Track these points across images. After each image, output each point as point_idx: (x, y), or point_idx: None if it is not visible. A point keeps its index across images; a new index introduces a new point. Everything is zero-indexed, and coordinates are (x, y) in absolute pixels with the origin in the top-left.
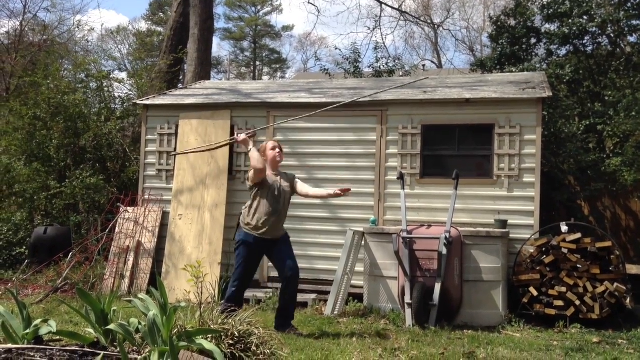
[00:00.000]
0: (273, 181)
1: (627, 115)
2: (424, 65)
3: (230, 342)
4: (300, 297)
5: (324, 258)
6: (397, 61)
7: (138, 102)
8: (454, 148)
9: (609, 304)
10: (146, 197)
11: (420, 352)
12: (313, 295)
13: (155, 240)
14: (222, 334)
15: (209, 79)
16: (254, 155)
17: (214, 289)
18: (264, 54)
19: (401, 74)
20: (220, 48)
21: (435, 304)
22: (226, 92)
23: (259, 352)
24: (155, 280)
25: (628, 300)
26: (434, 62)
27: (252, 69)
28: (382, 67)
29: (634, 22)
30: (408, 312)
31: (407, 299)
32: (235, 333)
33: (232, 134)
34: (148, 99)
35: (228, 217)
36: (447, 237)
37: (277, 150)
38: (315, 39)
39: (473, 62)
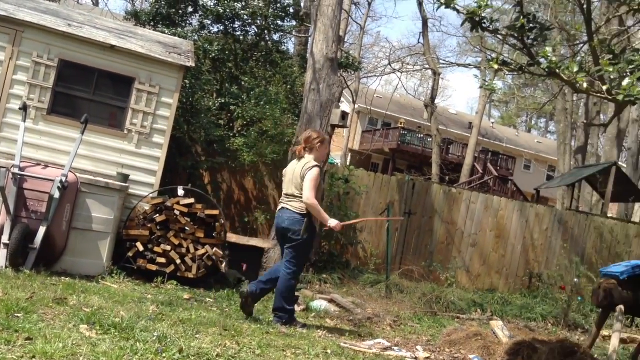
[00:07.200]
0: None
1: (257, 103)
2: None
3: None
4: None
5: None
6: None
7: None
8: (90, 92)
9: (206, 265)
10: None
11: (7, 295)
12: None
13: None
14: None
15: None
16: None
17: None
18: None
19: None
20: None
21: (35, 247)
22: None
23: None
24: None
25: (224, 265)
26: None
27: None
28: None
29: (279, 22)
30: (3, 252)
31: (5, 239)
32: None
33: None
34: None
35: None
36: (63, 181)
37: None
38: None
39: (129, 11)
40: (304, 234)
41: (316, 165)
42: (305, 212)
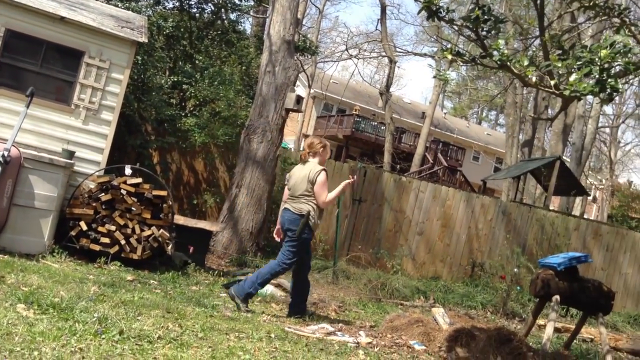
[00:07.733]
0: None
1: (210, 83)
2: None
3: None
4: None
5: None
6: None
7: None
8: (37, 64)
9: (151, 247)
10: None
11: None
12: None
13: None
14: None
15: None
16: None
17: None
18: None
19: None
20: None
21: None
22: None
23: None
24: None
25: (170, 247)
26: None
27: None
28: None
29: (236, 1)
30: None
31: None
32: None
33: None
34: None
35: None
36: (5, 155)
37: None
38: None
39: None
40: (301, 233)
41: (323, 169)
42: (303, 213)
